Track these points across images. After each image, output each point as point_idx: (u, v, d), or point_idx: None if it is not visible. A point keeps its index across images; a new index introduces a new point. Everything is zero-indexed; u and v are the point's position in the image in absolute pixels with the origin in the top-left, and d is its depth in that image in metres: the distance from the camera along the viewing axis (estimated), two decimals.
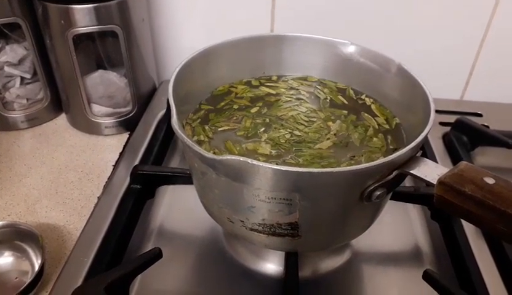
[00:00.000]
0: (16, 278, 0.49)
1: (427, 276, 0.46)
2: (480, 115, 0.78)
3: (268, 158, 0.45)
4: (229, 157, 0.36)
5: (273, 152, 0.46)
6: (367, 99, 0.55)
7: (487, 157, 0.69)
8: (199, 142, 0.47)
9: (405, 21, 0.76)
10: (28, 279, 0.46)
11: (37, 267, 0.48)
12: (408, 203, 0.58)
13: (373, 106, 0.54)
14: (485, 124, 0.73)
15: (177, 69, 0.47)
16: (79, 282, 0.46)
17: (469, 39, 0.78)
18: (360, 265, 0.52)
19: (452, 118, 0.72)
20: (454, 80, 0.83)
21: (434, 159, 0.64)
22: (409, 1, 0.75)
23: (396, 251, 0.54)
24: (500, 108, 0.81)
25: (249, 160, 0.36)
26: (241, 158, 0.36)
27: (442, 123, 0.74)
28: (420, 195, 0.56)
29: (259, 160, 0.43)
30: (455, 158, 0.66)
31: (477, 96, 0.83)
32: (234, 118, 0.51)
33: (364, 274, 0.52)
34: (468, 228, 0.53)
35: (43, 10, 0.62)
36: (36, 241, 0.50)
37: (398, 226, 0.57)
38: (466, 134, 0.69)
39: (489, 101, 0.82)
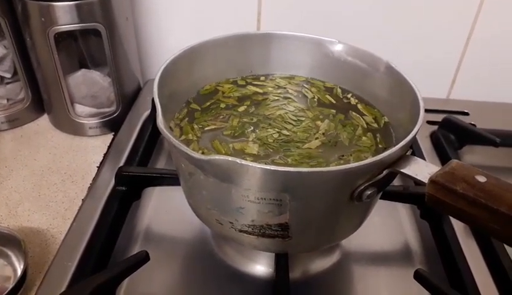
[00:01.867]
0: None
1: (418, 276, 0.46)
2: (467, 113, 0.78)
3: (255, 158, 0.44)
4: (217, 157, 0.36)
5: (261, 152, 0.45)
6: (352, 99, 0.54)
7: (474, 155, 0.70)
8: (188, 141, 0.46)
9: (391, 19, 0.76)
10: (10, 285, 0.45)
11: (19, 272, 0.46)
12: (397, 202, 0.58)
13: (359, 106, 0.53)
14: (472, 122, 0.73)
15: (162, 68, 0.46)
16: (63, 287, 0.45)
17: (455, 37, 0.78)
18: (350, 266, 0.52)
19: (438, 117, 0.72)
20: (440, 79, 0.83)
21: (422, 158, 0.63)
22: (395, 0, 0.74)
23: (386, 250, 0.54)
24: (486, 107, 0.81)
25: (238, 160, 0.35)
26: (229, 158, 0.35)
27: (429, 122, 0.74)
28: (409, 194, 0.56)
29: (246, 160, 0.42)
30: (442, 157, 0.66)
31: (463, 94, 0.84)
32: (221, 117, 0.51)
33: (355, 274, 0.51)
34: (458, 226, 0.53)
35: (22, 7, 0.60)
36: (18, 246, 0.49)
37: (388, 225, 0.57)
38: (453, 132, 0.69)
39: (475, 99, 0.82)
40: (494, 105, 0.82)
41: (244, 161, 0.35)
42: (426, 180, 0.36)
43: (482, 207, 0.33)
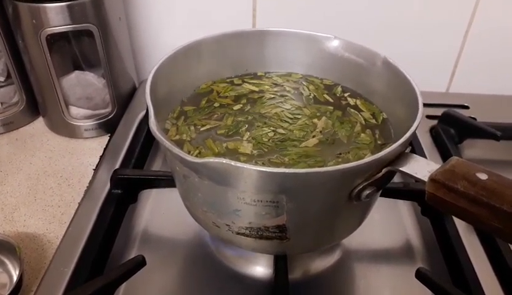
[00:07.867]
0: None
1: (420, 275, 0.45)
2: (467, 107, 0.77)
3: (249, 157, 0.44)
4: (211, 159, 0.35)
5: (255, 151, 0.44)
6: (349, 97, 0.53)
7: (475, 149, 0.69)
8: (181, 142, 0.46)
9: (388, 13, 0.75)
10: (6, 292, 0.44)
11: (15, 279, 0.46)
12: (398, 199, 0.57)
13: (357, 102, 0.52)
14: (472, 116, 0.73)
15: (155, 68, 0.45)
16: (60, 294, 0.45)
17: (454, 29, 0.77)
18: (351, 264, 0.51)
19: (438, 111, 0.71)
20: (439, 72, 0.82)
21: (422, 153, 0.63)
22: None
23: (388, 248, 0.53)
24: (486, 100, 0.80)
25: (232, 162, 0.34)
26: (224, 161, 0.34)
27: (428, 116, 0.73)
28: (409, 190, 0.55)
29: (240, 160, 0.42)
30: (443, 152, 0.66)
31: (462, 88, 0.83)
32: (215, 115, 0.50)
33: (356, 273, 0.51)
34: (460, 223, 0.52)
35: (13, 10, 0.60)
36: (14, 252, 0.48)
37: (388, 223, 0.56)
38: (453, 127, 0.68)
39: (475, 92, 0.81)
40: (494, 98, 0.81)
41: (239, 163, 0.34)
42: (425, 178, 0.35)
43: (483, 205, 0.32)
